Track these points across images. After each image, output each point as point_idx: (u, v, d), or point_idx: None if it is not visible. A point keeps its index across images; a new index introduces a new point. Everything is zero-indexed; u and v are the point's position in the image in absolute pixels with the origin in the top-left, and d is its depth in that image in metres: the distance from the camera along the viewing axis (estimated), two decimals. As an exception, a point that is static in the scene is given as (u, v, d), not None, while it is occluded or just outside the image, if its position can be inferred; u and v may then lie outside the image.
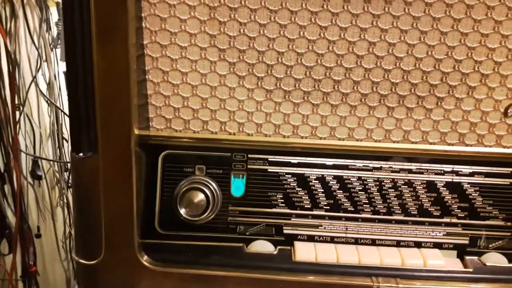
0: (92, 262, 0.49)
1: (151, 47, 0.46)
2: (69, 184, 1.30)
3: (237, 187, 0.51)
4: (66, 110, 1.22)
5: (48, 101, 1.16)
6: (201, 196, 0.49)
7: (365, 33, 0.44)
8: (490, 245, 0.51)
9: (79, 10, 0.42)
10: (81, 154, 0.46)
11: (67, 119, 1.24)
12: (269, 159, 0.50)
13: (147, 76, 0.47)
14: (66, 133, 1.26)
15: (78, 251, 0.50)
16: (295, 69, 0.46)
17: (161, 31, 0.45)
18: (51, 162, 1.23)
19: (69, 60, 0.44)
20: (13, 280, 1.03)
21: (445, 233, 0.51)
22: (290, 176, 0.50)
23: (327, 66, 0.46)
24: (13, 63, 0.95)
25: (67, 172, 1.29)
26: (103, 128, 0.45)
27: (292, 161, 0.50)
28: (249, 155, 0.50)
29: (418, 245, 0.51)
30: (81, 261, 0.50)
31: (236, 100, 0.48)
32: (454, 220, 0.51)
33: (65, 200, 1.29)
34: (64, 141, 1.25)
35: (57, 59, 1.21)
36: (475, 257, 0.51)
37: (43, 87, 1.16)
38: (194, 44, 0.46)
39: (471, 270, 0.49)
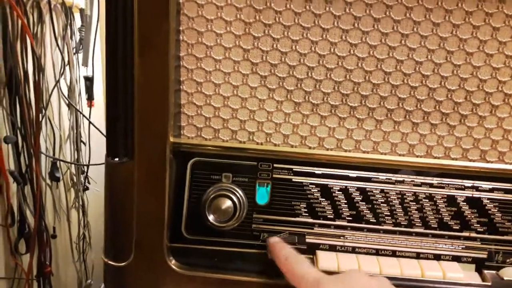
0: (121, 264, 0.51)
1: (187, 59, 0.48)
2: (85, 187, 1.32)
3: (262, 195, 0.53)
4: (86, 114, 1.25)
5: (69, 105, 1.19)
6: (228, 203, 0.50)
7: (393, 51, 0.46)
8: (508, 260, 0.52)
9: (123, 22, 0.44)
10: (116, 159, 0.48)
11: (85, 123, 1.27)
12: (294, 169, 0.52)
13: (181, 87, 0.49)
14: (84, 136, 1.29)
15: (108, 253, 0.52)
16: (324, 83, 0.48)
17: (197, 44, 0.47)
18: (68, 165, 1.26)
19: (110, 67, 0.46)
20: (29, 280, 1.05)
21: (464, 246, 0.52)
22: (314, 186, 0.52)
23: (355, 81, 0.48)
24: (39, 67, 0.97)
25: (83, 175, 1.32)
26: (141, 135, 0.47)
27: (317, 172, 0.52)
28: (275, 165, 0.52)
29: (437, 257, 0.52)
30: (110, 262, 0.52)
31: (265, 112, 0.50)
32: (473, 235, 0.52)
33: (80, 202, 1.31)
34: (82, 144, 1.28)
35: (78, 64, 1.24)
36: (493, 271, 0.52)
37: (64, 90, 1.19)
38: (228, 57, 0.48)
39: (489, 284, 0.50)
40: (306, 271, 0.46)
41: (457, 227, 0.52)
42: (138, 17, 0.44)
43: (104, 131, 1.30)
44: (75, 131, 1.24)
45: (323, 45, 0.47)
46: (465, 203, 0.52)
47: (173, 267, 0.51)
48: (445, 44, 0.46)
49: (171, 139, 0.48)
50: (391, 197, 0.52)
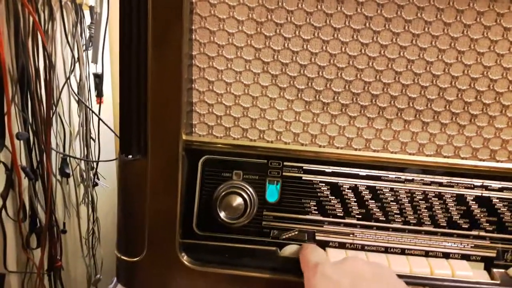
0: (134, 259, 0.52)
1: (199, 58, 0.48)
2: (94, 183, 1.34)
3: (272, 193, 0.53)
4: (95, 111, 1.26)
5: (79, 102, 1.20)
6: (239, 200, 0.51)
7: (404, 50, 0.47)
8: (517, 259, 0.53)
9: (137, 21, 0.45)
10: (130, 156, 0.48)
11: (95, 119, 1.28)
12: (304, 167, 0.52)
13: (193, 85, 0.50)
14: (94, 133, 1.30)
15: (120, 248, 0.53)
16: (335, 82, 0.48)
17: (209, 43, 0.48)
18: (78, 161, 1.27)
19: (123, 65, 0.46)
20: (40, 274, 1.07)
21: (473, 245, 0.53)
22: (323, 184, 0.52)
23: (366, 80, 0.48)
24: (50, 64, 0.99)
25: (93, 171, 1.33)
26: (154, 133, 0.47)
27: (326, 170, 0.52)
28: (285, 163, 0.52)
29: (446, 256, 0.53)
30: (123, 257, 0.53)
31: (276, 110, 0.50)
32: (482, 233, 0.52)
33: (89, 198, 1.32)
34: (91, 140, 1.29)
35: (88, 61, 1.25)
36: (502, 270, 0.52)
37: (74, 87, 1.20)
38: (240, 56, 0.48)
39: (498, 282, 0.51)
40: (314, 258, 0.47)
41: (466, 226, 0.52)
42: (151, 16, 0.44)
43: (113, 128, 1.31)
44: (84, 127, 1.25)
45: (334, 45, 0.47)
46: (474, 202, 0.52)
47: (185, 262, 0.51)
48: (456, 44, 0.46)
49: (183, 137, 0.49)
50: (401, 195, 0.52)
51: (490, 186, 0.52)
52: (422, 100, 0.48)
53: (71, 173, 1.21)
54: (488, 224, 0.52)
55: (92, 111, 1.24)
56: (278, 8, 0.46)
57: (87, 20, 1.24)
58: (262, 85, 0.49)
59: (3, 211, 0.95)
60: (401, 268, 0.51)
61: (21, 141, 0.97)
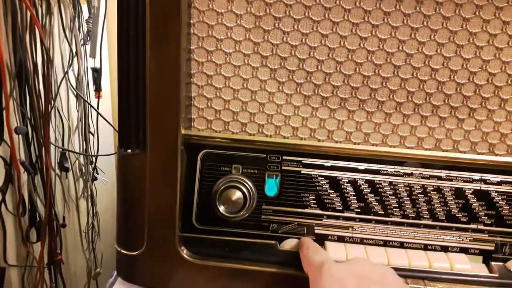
0: (134, 253, 0.52)
1: (198, 52, 0.48)
2: (93, 177, 1.34)
3: (271, 187, 0.53)
4: (94, 105, 1.26)
5: (77, 96, 1.19)
6: (238, 194, 0.51)
7: (403, 44, 0.47)
8: (515, 252, 0.53)
9: (135, 16, 0.44)
10: (129, 151, 0.48)
11: (94, 114, 1.28)
12: (303, 161, 0.53)
13: (192, 79, 0.49)
14: (93, 127, 1.30)
15: (120, 242, 0.53)
16: (334, 76, 0.48)
17: (208, 38, 0.48)
18: (77, 155, 1.27)
19: (122, 60, 0.46)
20: (41, 268, 1.07)
21: (471, 238, 0.53)
22: (322, 178, 0.53)
23: (365, 74, 0.48)
24: (48, 58, 0.98)
25: (92, 165, 1.33)
26: (153, 127, 0.47)
27: (325, 164, 0.52)
28: (284, 157, 0.53)
29: (445, 249, 0.53)
30: (123, 251, 0.53)
31: (275, 105, 0.50)
32: (481, 227, 0.53)
33: (89, 192, 1.32)
34: (90, 134, 1.29)
35: (86, 56, 1.24)
36: (501, 263, 0.52)
37: (72, 82, 1.20)
38: (239, 50, 0.48)
39: (496, 275, 0.51)
40: (317, 258, 0.47)
41: (465, 220, 0.52)
42: (150, 10, 0.44)
43: (112, 122, 1.31)
44: (83, 122, 1.24)
45: (333, 39, 0.47)
46: (473, 196, 0.52)
47: (185, 256, 0.52)
48: (455, 37, 0.46)
49: (182, 131, 0.49)
50: (400, 189, 0.52)
51: (489, 179, 0.52)
52: (421, 94, 0.48)
53: (70, 167, 1.21)
54: (486, 218, 0.52)
55: (91, 106, 1.24)
56: (276, 2, 0.46)
57: (85, 14, 1.24)
58: (261, 79, 0.49)
59: (3, 206, 0.95)
60: (400, 262, 0.51)
61: (20, 136, 0.97)
